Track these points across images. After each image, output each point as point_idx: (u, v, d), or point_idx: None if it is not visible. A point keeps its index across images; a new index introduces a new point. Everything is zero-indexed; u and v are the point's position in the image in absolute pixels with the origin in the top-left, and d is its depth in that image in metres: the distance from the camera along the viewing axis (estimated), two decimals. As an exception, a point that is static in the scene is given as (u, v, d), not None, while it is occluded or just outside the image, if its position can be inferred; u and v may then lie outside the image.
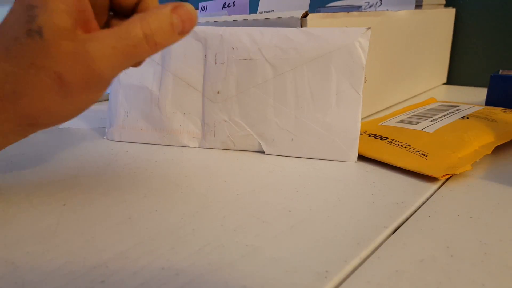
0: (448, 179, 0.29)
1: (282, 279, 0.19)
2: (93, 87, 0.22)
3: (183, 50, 0.37)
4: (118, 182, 0.30)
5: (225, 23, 0.40)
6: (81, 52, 0.21)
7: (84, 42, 0.21)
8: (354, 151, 0.33)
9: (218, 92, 0.36)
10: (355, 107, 0.33)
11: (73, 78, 0.21)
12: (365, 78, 0.43)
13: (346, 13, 0.39)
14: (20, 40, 0.20)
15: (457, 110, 0.41)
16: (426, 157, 0.30)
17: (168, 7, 0.22)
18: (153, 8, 0.23)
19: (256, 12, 0.46)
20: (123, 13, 0.26)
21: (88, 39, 0.21)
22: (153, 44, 0.22)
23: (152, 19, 0.22)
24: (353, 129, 0.33)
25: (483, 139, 0.33)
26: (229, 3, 0.53)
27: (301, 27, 0.35)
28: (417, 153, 0.31)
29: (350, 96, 0.33)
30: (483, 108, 0.41)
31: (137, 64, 0.27)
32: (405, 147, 0.32)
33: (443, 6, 0.62)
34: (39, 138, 0.42)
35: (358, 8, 0.55)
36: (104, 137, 0.41)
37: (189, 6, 0.23)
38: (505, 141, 0.34)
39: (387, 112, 0.48)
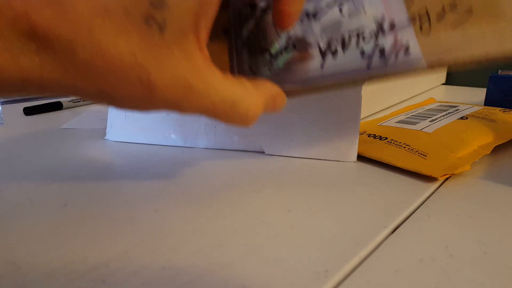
0: (447, 179, 0.29)
1: (282, 279, 0.19)
2: (171, 108, 0.19)
3: (183, 50, 0.37)
4: (118, 182, 0.30)
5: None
6: (189, 79, 0.18)
7: (202, 73, 0.18)
8: (354, 151, 0.33)
9: (218, 93, 0.36)
10: (354, 107, 0.33)
11: (162, 93, 0.18)
12: (364, 79, 0.43)
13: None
14: (132, 21, 0.16)
15: (456, 110, 0.41)
16: (425, 157, 0.30)
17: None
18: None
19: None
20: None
21: (207, 73, 0.18)
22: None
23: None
24: (352, 129, 0.33)
25: (482, 139, 0.33)
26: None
27: (300, 27, 0.35)
28: (416, 153, 0.31)
29: (350, 96, 0.33)
30: (482, 108, 0.41)
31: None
32: (404, 147, 0.32)
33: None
34: (40, 138, 0.42)
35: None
36: (105, 138, 0.41)
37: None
38: (504, 141, 0.34)
39: (386, 112, 0.48)
